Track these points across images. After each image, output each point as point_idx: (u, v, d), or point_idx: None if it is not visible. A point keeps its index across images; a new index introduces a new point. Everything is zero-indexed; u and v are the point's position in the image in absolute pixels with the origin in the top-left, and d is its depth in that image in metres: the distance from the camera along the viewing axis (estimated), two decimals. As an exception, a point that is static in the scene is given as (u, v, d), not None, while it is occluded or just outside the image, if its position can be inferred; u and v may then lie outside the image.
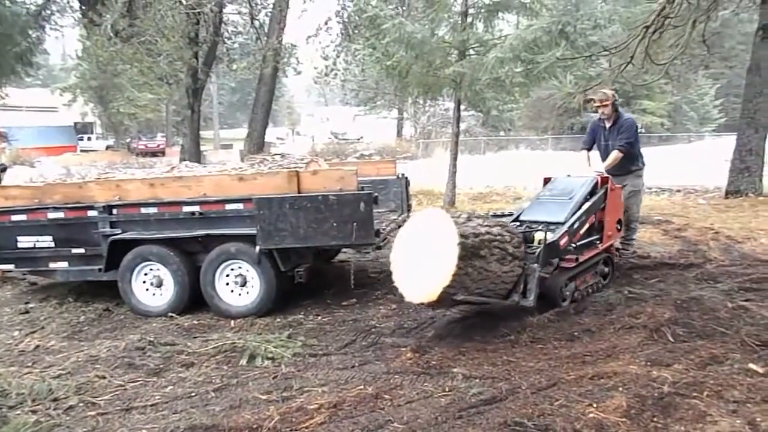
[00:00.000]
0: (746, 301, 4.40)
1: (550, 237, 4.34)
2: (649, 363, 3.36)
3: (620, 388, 3.00)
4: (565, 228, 4.52)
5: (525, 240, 4.33)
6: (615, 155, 5.75)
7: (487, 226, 4.10)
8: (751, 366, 3.22)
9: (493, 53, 8.71)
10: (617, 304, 4.48)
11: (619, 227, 5.32)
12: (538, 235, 4.41)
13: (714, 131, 38.56)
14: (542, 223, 4.71)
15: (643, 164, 6.06)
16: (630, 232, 6.05)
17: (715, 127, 40.43)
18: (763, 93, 10.35)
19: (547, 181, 5.39)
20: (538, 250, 4.25)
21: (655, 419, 2.70)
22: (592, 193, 4.96)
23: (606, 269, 5.15)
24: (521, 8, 9.79)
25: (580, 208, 4.76)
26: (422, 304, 3.98)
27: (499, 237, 4.05)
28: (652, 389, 2.94)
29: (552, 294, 4.53)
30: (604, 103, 5.90)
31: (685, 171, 14.87)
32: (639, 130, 5.84)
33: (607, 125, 5.99)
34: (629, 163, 5.92)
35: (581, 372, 3.28)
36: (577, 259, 4.61)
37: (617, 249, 5.82)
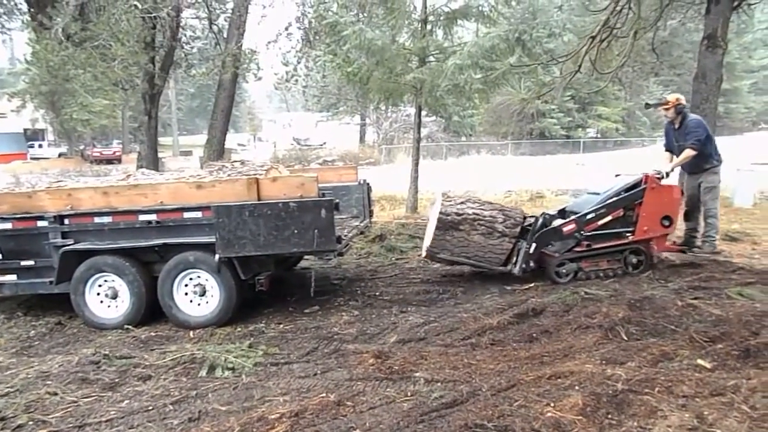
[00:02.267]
0: (695, 299, 4.59)
1: (555, 223, 5.55)
2: (604, 362, 3.46)
3: (577, 387, 3.08)
4: (575, 217, 5.58)
5: (544, 225, 5.59)
6: (686, 153, 6.01)
7: (478, 208, 5.62)
8: (700, 362, 3.36)
9: (452, 60, 8.84)
10: (574, 305, 4.60)
11: (666, 223, 5.64)
12: (555, 222, 5.63)
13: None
14: (574, 213, 5.74)
15: (719, 161, 6.16)
16: (708, 228, 6.13)
17: (666, 132, 41.91)
18: (709, 99, 10.79)
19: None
20: (539, 232, 5.51)
21: (609, 416, 2.78)
22: (629, 190, 5.65)
23: (635, 259, 5.69)
24: (479, 16, 9.96)
25: (605, 202, 5.61)
26: (425, 257, 5.91)
27: (488, 217, 5.55)
28: (607, 387, 3.03)
29: (549, 270, 5.60)
30: (665, 107, 6.26)
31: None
32: (705, 131, 6.03)
33: (676, 126, 6.26)
34: (703, 161, 6.12)
35: (539, 372, 3.35)
36: (589, 245, 5.56)
37: (689, 246, 6.19)
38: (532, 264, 5.60)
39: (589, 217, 5.60)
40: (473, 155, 31.55)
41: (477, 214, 5.57)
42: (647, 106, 7.13)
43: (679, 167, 6.23)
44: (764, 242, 7.26)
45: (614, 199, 5.67)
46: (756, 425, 2.58)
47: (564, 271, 5.63)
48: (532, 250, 5.52)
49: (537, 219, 5.70)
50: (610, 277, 5.58)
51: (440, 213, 5.60)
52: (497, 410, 2.89)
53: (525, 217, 5.81)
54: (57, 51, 10.86)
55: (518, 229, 5.57)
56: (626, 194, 5.70)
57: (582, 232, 5.59)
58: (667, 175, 5.85)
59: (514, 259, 5.54)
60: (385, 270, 6.62)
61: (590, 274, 5.65)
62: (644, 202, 5.60)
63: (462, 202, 5.77)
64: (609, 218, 5.63)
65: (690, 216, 6.32)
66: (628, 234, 5.65)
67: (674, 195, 5.69)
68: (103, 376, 3.67)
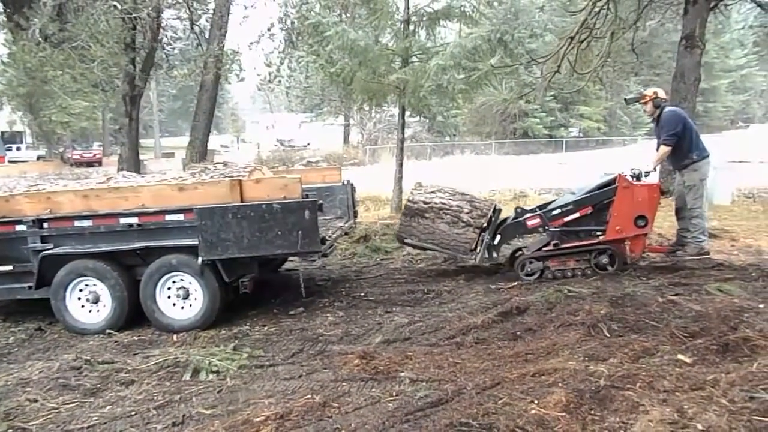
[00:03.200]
0: (675, 295, 4.66)
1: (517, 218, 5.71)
2: (586, 358, 3.50)
3: (560, 384, 3.11)
4: (540, 212, 5.68)
5: (516, 218, 5.76)
6: (660, 150, 5.83)
7: (447, 198, 5.81)
8: (680, 357, 3.41)
9: (435, 60, 8.86)
10: (557, 303, 4.64)
11: (641, 224, 5.47)
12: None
13: (646, 135, 40.57)
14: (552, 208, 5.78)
15: (700, 156, 5.80)
16: (693, 229, 5.81)
17: (647, 131, 42.55)
18: (688, 99, 10.98)
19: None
20: (505, 224, 5.75)
21: (592, 412, 2.81)
22: (601, 188, 5.61)
23: (605, 259, 5.60)
24: (462, 17, 9.99)
25: (573, 199, 5.67)
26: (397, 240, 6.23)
27: (454, 207, 5.72)
28: (590, 383, 3.06)
29: (515, 267, 5.75)
30: (643, 102, 6.03)
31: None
32: (680, 124, 5.75)
33: (656, 123, 6.02)
34: (680, 158, 5.85)
35: (523, 370, 3.38)
36: (557, 245, 5.59)
37: (680, 246, 5.92)
38: (495, 255, 5.76)
39: (555, 212, 5.65)
40: (457, 155, 31.70)
41: (444, 204, 5.77)
42: (626, 101, 7.03)
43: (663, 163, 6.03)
44: (742, 239, 7.40)
45: (583, 196, 5.67)
46: (734, 418, 2.63)
47: (529, 269, 5.68)
48: (496, 242, 5.72)
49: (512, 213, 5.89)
50: (579, 277, 5.53)
51: (408, 200, 5.98)
52: (482, 408, 2.91)
53: (496, 209, 5.89)
54: (34, 52, 10.68)
55: (484, 220, 5.69)
56: (595, 192, 5.65)
57: (547, 227, 5.66)
58: (647, 174, 5.70)
59: (477, 248, 5.74)
60: (369, 270, 6.62)
61: (557, 273, 5.64)
62: (616, 201, 5.48)
63: (432, 192, 5.97)
64: (577, 215, 5.60)
65: (678, 215, 6.05)
66: (599, 234, 5.58)
67: (649, 194, 5.49)
68: (84, 382, 3.62)
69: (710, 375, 3.09)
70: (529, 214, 5.74)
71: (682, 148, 5.81)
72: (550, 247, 5.64)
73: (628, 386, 3.03)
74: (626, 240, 5.60)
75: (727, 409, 2.71)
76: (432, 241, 5.82)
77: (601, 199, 5.58)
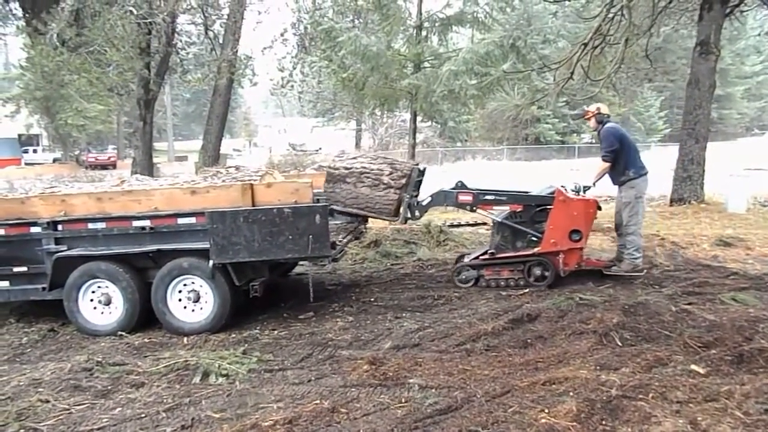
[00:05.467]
0: (689, 304, 4.61)
1: (445, 189, 5.83)
2: (598, 367, 3.46)
3: (571, 393, 3.08)
4: (475, 191, 5.73)
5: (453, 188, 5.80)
6: (599, 167, 5.93)
7: (368, 163, 5.73)
8: (693, 367, 3.36)
9: (447, 66, 8.88)
10: (569, 311, 4.60)
11: (576, 237, 5.50)
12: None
13: (660, 141, 40.26)
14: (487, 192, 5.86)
15: (637, 174, 5.83)
16: (629, 246, 5.81)
17: (660, 138, 42.24)
18: (703, 105, 10.88)
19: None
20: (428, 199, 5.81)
21: (603, 422, 2.78)
22: (539, 198, 5.70)
23: (539, 271, 5.65)
24: (474, 22, 10.01)
25: (509, 191, 5.88)
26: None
27: (375, 170, 5.63)
28: (601, 393, 3.03)
29: (452, 273, 5.92)
30: (585, 117, 6.21)
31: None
32: (617, 141, 5.79)
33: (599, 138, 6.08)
34: (618, 174, 5.90)
35: (534, 378, 3.35)
36: (493, 254, 5.75)
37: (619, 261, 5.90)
38: (418, 213, 5.78)
39: (487, 197, 5.74)
40: (469, 160, 31.62)
41: (365, 168, 5.70)
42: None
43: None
44: (758, 247, 7.29)
45: (518, 192, 5.88)
46: (749, 431, 2.59)
47: (464, 277, 5.81)
48: (425, 203, 5.77)
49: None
50: (511, 287, 5.64)
51: (328, 167, 5.91)
52: (492, 416, 2.89)
53: (418, 170, 5.89)
54: (52, 56, 10.82)
55: (404, 180, 5.63)
56: (532, 194, 5.85)
57: (474, 208, 5.81)
58: (587, 189, 5.75)
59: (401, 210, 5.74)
60: (380, 276, 6.62)
61: (491, 282, 5.74)
62: (552, 214, 5.54)
63: (353, 158, 5.97)
64: (507, 208, 5.76)
65: (617, 231, 6.08)
66: (533, 246, 5.64)
67: (585, 209, 5.51)
68: (95, 384, 3.65)
69: (724, 386, 3.04)
70: (464, 190, 5.77)
71: (620, 164, 5.87)
72: (486, 256, 5.80)
73: (641, 396, 2.99)
74: (560, 253, 5.57)
75: (742, 422, 2.67)
76: (356, 205, 5.72)
77: (533, 201, 5.71)
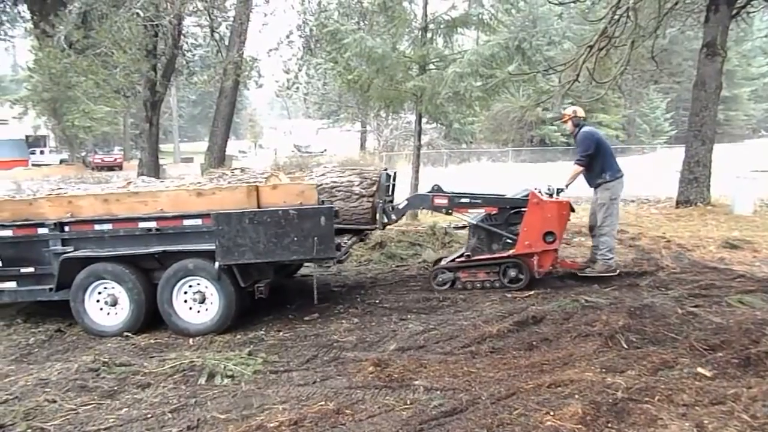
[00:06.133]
0: (695, 307, 4.59)
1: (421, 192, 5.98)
2: (604, 370, 3.45)
3: (576, 396, 3.07)
4: (451, 194, 5.80)
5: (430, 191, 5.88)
6: (573, 170, 6.00)
7: (337, 177, 5.79)
8: (700, 370, 3.35)
9: (453, 68, 8.86)
10: (574, 313, 4.59)
11: (550, 239, 5.56)
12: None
13: (666, 143, 40.09)
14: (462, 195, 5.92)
15: (613, 177, 5.95)
16: (602, 247, 5.91)
17: (666, 139, 42.06)
18: (709, 107, 10.84)
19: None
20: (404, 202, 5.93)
21: (609, 425, 2.77)
22: (513, 201, 5.78)
23: (514, 273, 5.72)
24: (480, 24, 10.00)
25: (485, 195, 5.95)
26: None
27: (345, 183, 5.70)
28: (607, 395, 3.02)
29: (429, 276, 5.97)
30: (562, 121, 6.28)
31: (639, 182, 15.38)
32: (593, 144, 5.87)
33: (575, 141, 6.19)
34: (594, 177, 6.01)
35: (539, 380, 3.35)
36: (469, 257, 5.81)
37: (593, 263, 5.99)
38: (395, 217, 5.85)
39: (462, 200, 5.80)
40: (474, 162, 31.58)
41: (335, 182, 5.78)
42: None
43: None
44: (764, 250, 7.25)
45: (493, 195, 5.95)
46: (756, 434, 2.57)
47: (440, 280, 5.86)
48: (401, 206, 5.87)
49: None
50: (488, 289, 5.70)
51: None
52: (497, 419, 2.88)
53: (387, 175, 5.97)
54: (59, 58, 10.90)
55: (374, 188, 5.73)
56: (507, 197, 5.88)
57: (450, 211, 5.89)
58: (560, 191, 5.80)
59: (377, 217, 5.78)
60: (384, 277, 6.62)
61: (466, 284, 5.79)
62: (526, 217, 5.61)
63: (322, 174, 5.98)
64: (482, 211, 5.85)
65: (591, 232, 6.16)
66: (508, 248, 5.70)
67: (558, 211, 5.59)
68: (102, 384, 3.67)
69: (731, 389, 3.03)
70: (439, 193, 5.83)
71: (596, 167, 5.98)
72: (462, 259, 5.86)
73: (647, 399, 2.98)
74: (535, 255, 5.62)
75: (749, 425, 2.66)
76: (339, 219, 5.64)
77: (508, 204, 5.79)
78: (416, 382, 3.44)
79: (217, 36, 14.43)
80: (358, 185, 5.72)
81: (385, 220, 5.79)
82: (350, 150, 37.20)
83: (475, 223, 5.90)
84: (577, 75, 6.52)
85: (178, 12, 11.44)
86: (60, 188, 6.49)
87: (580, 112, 6.17)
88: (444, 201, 5.79)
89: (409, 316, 5.01)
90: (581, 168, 5.95)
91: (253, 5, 14.73)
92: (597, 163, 5.94)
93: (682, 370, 3.38)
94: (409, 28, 10.08)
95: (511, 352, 3.96)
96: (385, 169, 6.07)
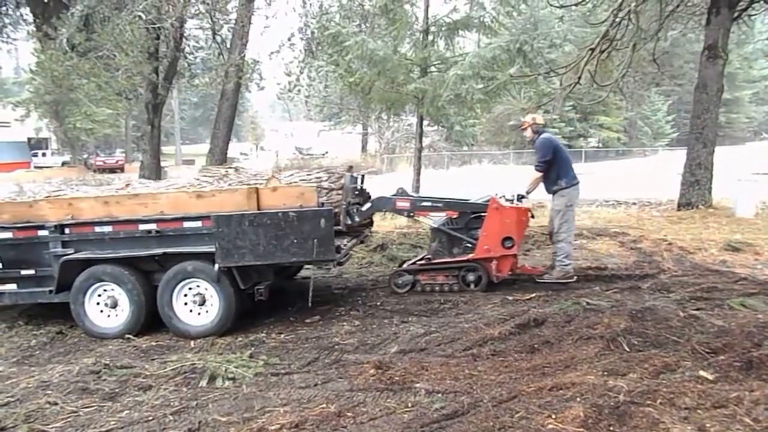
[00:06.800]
0: (697, 310, 4.56)
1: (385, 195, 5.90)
2: (605, 373, 3.43)
3: (578, 399, 3.05)
4: (413, 197, 5.92)
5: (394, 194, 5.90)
6: (532, 176, 6.10)
7: (306, 175, 5.85)
8: (702, 373, 3.33)
9: (454, 70, 8.88)
10: (576, 316, 4.57)
11: (508, 245, 5.62)
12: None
13: (667, 145, 40.09)
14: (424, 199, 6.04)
15: (569, 184, 6.00)
16: (559, 253, 5.98)
17: (668, 142, 42.08)
18: (710, 109, 10.83)
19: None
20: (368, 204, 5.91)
21: (611, 428, 2.75)
22: (474, 206, 5.84)
23: (472, 276, 5.79)
24: (481, 27, 10.02)
25: (446, 199, 5.97)
26: None
27: (314, 179, 5.68)
28: (609, 398, 3.00)
29: (389, 278, 6.04)
30: (521, 128, 6.38)
31: (641, 184, 15.38)
32: (549, 151, 5.94)
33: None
34: (551, 183, 6.09)
35: (541, 383, 3.33)
36: (429, 260, 5.93)
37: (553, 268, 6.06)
38: (357, 219, 5.80)
39: (424, 203, 5.89)
40: (475, 164, 31.63)
41: (304, 180, 5.79)
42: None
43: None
44: (766, 252, 7.23)
45: (454, 199, 5.99)
46: (759, 438, 2.56)
47: (401, 281, 5.93)
48: (365, 208, 5.85)
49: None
50: (446, 292, 5.76)
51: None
52: (498, 422, 2.87)
53: (351, 176, 5.92)
54: (61, 61, 10.94)
55: (342, 182, 5.75)
56: (468, 202, 5.95)
57: (411, 214, 6.06)
58: (521, 197, 5.87)
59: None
60: (386, 279, 6.60)
61: (426, 287, 5.85)
62: (485, 222, 5.66)
63: (290, 174, 6.06)
64: (443, 214, 5.92)
65: (551, 238, 6.21)
66: (468, 252, 5.77)
67: (516, 217, 5.65)
68: (103, 386, 3.66)
69: (733, 393, 3.01)
70: (401, 197, 5.88)
71: (553, 174, 6.03)
72: (423, 262, 5.99)
73: (648, 402, 2.96)
74: (494, 259, 5.67)
75: (751, 429, 2.64)
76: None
77: (468, 209, 5.85)
78: (417, 385, 3.43)
79: (219, 38, 14.48)
80: (326, 180, 5.77)
81: (348, 222, 5.77)
82: (351, 152, 37.29)
83: (436, 226, 5.95)
84: (579, 77, 6.53)
85: (180, 15, 11.47)
86: (61, 190, 6.49)
87: (539, 120, 6.25)
88: (406, 204, 5.85)
89: (410, 319, 5.00)
90: (540, 174, 6.03)
91: (255, 8, 14.78)
92: (554, 170, 6.02)
93: (684, 373, 3.36)
94: (411, 30, 10.10)
95: (513, 355, 3.94)
96: (350, 169, 6.10)
